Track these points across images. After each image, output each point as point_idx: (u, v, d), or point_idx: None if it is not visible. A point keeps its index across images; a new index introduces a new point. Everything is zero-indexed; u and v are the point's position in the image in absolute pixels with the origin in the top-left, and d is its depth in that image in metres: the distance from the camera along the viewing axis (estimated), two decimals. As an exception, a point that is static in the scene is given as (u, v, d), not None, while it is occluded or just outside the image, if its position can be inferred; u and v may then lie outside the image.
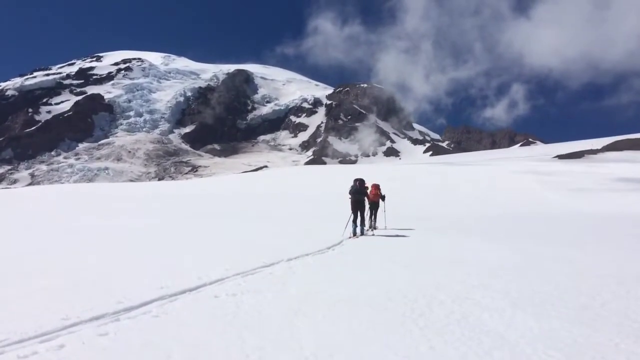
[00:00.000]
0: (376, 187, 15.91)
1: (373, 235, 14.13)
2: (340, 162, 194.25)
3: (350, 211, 14.00)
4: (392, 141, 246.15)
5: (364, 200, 14.29)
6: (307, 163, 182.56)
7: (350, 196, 14.16)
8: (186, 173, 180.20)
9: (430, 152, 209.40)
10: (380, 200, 15.92)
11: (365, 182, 14.57)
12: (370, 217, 15.54)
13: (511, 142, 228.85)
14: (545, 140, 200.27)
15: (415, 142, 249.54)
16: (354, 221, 13.76)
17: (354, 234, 13.52)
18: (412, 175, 46.77)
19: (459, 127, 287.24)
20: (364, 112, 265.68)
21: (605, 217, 21.09)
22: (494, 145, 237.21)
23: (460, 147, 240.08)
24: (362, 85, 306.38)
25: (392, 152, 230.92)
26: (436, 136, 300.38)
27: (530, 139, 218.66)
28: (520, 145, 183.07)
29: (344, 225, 14.25)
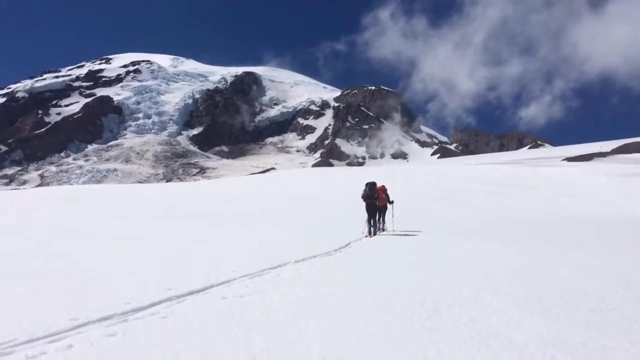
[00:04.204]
0: (382, 190, 16.01)
1: (384, 234, 14.93)
2: (348, 165, 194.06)
3: (366, 213, 14.79)
4: (400, 143, 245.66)
5: (376, 203, 14.92)
6: (315, 165, 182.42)
7: (363, 200, 14.98)
8: (194, 175, 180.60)
9: (438, 155, 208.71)
10: (388, 203, 16.13)
11: (377, 185, 15.32)
12: (378, 219, 15.62)
13: (519, 145, 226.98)
14: (555, 143, 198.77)
15: (423, 144, 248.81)
16: (368, 222, 14.51)
17: (369, 233, 14.25)
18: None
19: (467, 130, 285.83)
20: (372, 114, 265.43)
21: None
22: (502, 147, 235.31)
23: (468, 149, 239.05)
24: (370, 87, 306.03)
25: (399, 155, 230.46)
26: (444, 138, 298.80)
27: (538, 142, 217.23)
28: (529, 148, 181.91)
29: (362, 225, 14.86)
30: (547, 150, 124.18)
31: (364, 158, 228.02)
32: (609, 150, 75.20)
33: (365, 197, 14.82)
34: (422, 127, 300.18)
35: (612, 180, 37.93)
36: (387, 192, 16.33)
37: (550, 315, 5.57)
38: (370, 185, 14.96)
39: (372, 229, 14.46)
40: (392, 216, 16.69)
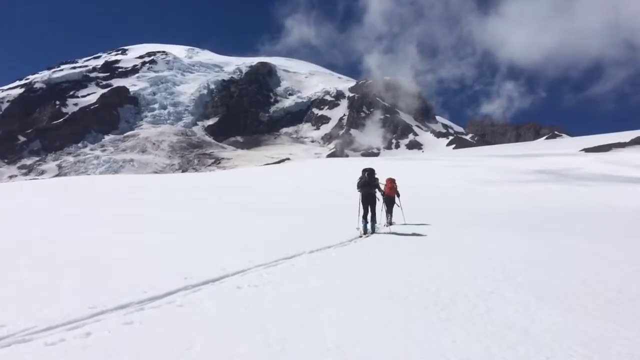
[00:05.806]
0: (392, 181, 15.42)
1: (389, 231, 12.95)
2: (362, 155, 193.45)
3: (360, 206, 12.66)
4: (415, 134, 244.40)
5: (375, 193, 12.72)
6: (330, 156, 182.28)
7: (359, 189, 12.77)
8: (209, 165, 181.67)
9: (454, 145, 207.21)
10: (395, 196, 15.32)
11: (376, 173, 12.89)
12: (387, 212, 14.94)
13: (536, 135, 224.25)
14: (572, 133, 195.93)
15: (438, 134, 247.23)
16: (364, 217, 12.36)
17: (364, 231, 12.10)
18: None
19: (483, 120, 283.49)
20: (387, 104, 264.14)
21: None
22: (518, 138, 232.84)
23: (484, 140, 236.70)
24: (385, 77, 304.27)
25: (414, 145, 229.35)
26: (459, 129, 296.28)
27: (556, 132, 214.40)
28: (546, 138, 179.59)
29: (356, 220, 12.75)
30: (565, 141, 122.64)
31: (378, 149, 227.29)
32: (627, 140, 73.99)
33: (363, 184, 12.54)
34: (438, 117, 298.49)
35: (633, 171, 37.44)
36: (396, 184, 15.53)
37: (567, 306, 5.53)
38: (370, 172, 12.60)
39: (369, 225, 12.30)
40: (400, 207, 15.32)
